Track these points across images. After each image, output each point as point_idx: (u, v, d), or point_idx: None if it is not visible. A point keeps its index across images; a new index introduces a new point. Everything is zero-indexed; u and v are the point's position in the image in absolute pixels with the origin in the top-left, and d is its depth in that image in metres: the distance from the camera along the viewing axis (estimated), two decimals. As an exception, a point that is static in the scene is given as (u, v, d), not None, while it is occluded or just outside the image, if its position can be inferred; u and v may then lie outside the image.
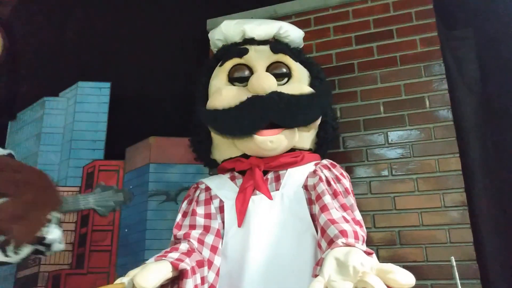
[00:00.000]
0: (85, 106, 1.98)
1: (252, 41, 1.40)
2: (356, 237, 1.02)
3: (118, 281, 0.88)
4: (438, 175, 1.63)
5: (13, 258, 1.09)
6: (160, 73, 2.11)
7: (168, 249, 1.07)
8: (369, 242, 1.59)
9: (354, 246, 0.91)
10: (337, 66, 1.89)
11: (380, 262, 0.85)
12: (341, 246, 0.92)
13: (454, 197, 1.58)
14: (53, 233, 1.11)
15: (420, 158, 1.67)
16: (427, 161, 1.65)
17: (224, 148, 1.33)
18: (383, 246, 1.62)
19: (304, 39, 1.65)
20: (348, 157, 1.77)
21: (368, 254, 0.90)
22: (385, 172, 1.70)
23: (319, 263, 0.92)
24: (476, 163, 1.60)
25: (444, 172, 1.62)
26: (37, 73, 2.06)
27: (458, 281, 0.78)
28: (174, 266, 0.95)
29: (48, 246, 1.11)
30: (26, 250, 1.08)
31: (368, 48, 1.86)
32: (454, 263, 0.80)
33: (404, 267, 0.80)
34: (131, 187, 1.92)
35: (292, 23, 1.98)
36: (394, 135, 1.73)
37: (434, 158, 1.65)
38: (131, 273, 0.91)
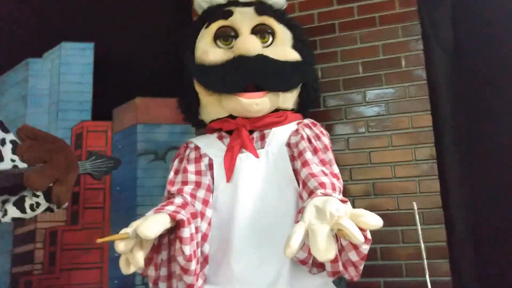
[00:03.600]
0: (69, 68, 1.99)
1: (236, 3, 1.44)
2: (334, 188, 1.14)
3: (122, 231, 0.98)
4: (410, 131, 1.75)
5: (29, 214, 1.19)
6: (144, 33, 2.10)
7: (165, 203, 1.16)
8: (346, 193, 1.74)
9: (331, 196, 1.02)
10: (319, 26, 1.94)
11: (354, 209, 0.97)
12: (319, 196, 1.03)
13: (425, 152, 1.72)
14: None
15: (394, 115, 1.78)
16: (401, 118, 1.77)
17: (211, 109, 1.40)
18: (359, 197, 1.76)
19: None
20: (328, 116, 1.86)
21: (343, 202, 1.01)
22: (362, 129, 1.81)
23: (300, 211, 1.03)
24: (447, 120, 1.72)
25: (416, 129, 1.74)
26: (18, 34, 2.04)
27: (419, 225, 0.90)
28: (172, 217, 1.05)
29: (58, 203, 1.20)
30: (42, 207, 1.17)
31: (349, 8, 1.91)
32: (416, 208, 0.91)
33: (378, 215, 0.92)
34: (120, 147, 1.99)
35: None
36: (371, 94, 1.83)
37: (408, 116, 1.76)
38: (134, 224, 1.00)
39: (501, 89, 1.72)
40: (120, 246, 0.98)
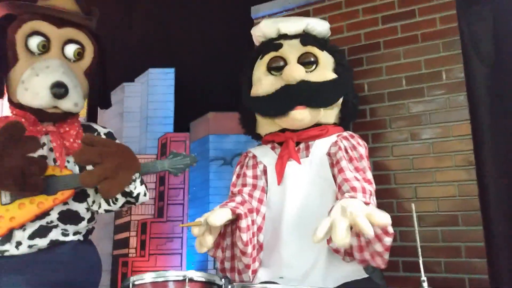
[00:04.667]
0: (155, 89, 2.44)
1: (285, 36, 1.73)
2: (364, 191, 1.37)
3: (196, 220, 1.32)
4: (451, 139, 1.90)
5: (113, 207, 1.53)
6: (215, 57, 2.49)
7: (228, 201, 1.49)
8: (389, 196, 1.94)
9: (356, 198, 1.27)
10: (365, 44, 2.15)
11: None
12: (347, 198, 1.28)
13: (464, 158, 1.86)
14: (138, 189, 1.54)
15: (436, 124, 1.94)
16: (441, 128, 1.92)
17: (265, 125, 1.70)
18: (401, 200, 1.94)
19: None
20: (374, 125, 2.07)
21: (366, 203, 1.25)
22: (406, 138, 1.99)
23: (331, 209, 1.29)
24: (485, 129, 1.84)
25: (456, 137, 1.89)
26: (116, 63, 2.53)
27: (416, 226, 1.09)
28: (233, 212, 1.38)
29: (136, 198, 1.54)
30: (120, 201, 1.52)
31: (393, 28, 2.10)
32: (414, 209, 1.11)
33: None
34: (195, 154, 2.38)
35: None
36: (413, 106, 2.00)
37: (448, 125, 1.91)
38: (205, 215, 1.34)
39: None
40: (195, 231, 1.32)
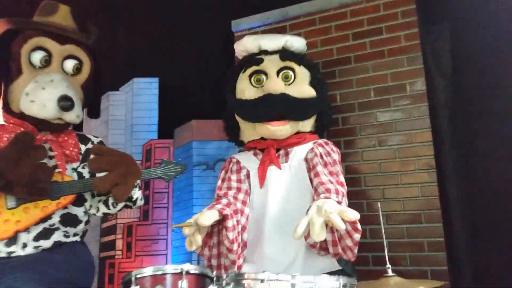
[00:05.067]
0: (140, 98, 2.55)
1: (266, 52, 1.88)
2: (337, 193, 1.54)
3: (187, 221, 1.45)
4: (414, 145, 2.11)
5: (113, 210, 1.66)
6: (197, 67, 2.62)
7: (214, 203, 1.63)
8: (359, 197, 2.13)
9: (330, 198, 1.44)
10: (337, 59, 2.34)
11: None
12: (322, 198, 1.45)
13: (426, 162, 2.06)
14: (137, 194, 1.68)
15: (401, 132, 2.15)
16: (406, 135, 2.13)
17: (248, 133, 1.85)
18: (370, 200, 2.13)
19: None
20: (345, 133, 2.26)
21: (339, 203, 1.42)
22: (374, 144, 2.19)
23: (309, 209, 1.45)
24: (445, 136, 2.06)
25: (418, 143, 2.09)
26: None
27: (382, 224, 1.27)
28: (220, 213, 1.51)
29: (134, 202, 1.68)
30: (120, 205, 1.65)
31: (362, 43, 2.30)
32: (380, 208, 1.29)
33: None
34: (179, 159, 2.51)
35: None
36: (381, 115, 2.20)
37: (412, 132, 2.12)
38: (194, 217, 1.47)
39: (494, 110, 2.04)
40: (186, 231, 1.46)
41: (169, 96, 2.55)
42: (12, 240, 1.45)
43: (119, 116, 2.55)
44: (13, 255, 1.45)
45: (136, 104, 2.54)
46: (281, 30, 2.49)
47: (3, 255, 1.44)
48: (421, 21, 2.19)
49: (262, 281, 1.05)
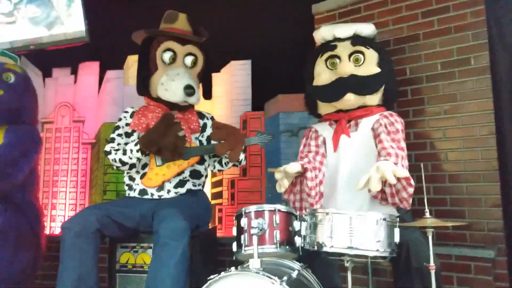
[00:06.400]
0: (236, 77, 3.09)
1: (339, 39, 2.27)
2: (396, 156, 1.91)
3: (279, 168, 1.96)
4: (476, 113, 2.35)
5: (224, 167, 2.28)
6: (281, 49, 3.06)
7: (297, 161, 2.12)
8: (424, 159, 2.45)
9: (388, 160, 1.84)
10: (407, 36, 2.61)
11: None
12: (381, 160, 1.86)
13: (487, 129, 2.31)
14: (241, 156, 2.23)
15: (464, 102, 2.39)
16: (469, 104, 2.37)
17: (324, 107, 2.27)
18: (435, 162, 2.44)
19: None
20: (413, 103, 2.56)
21: (396, 164, 1.81)
22: (439, 112, 2.47)
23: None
24: (505, 104, 2.28)
25: (480, 111, 2.33)
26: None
27: (424, 183, 1.64)
28: (302, 166, 2.00)
29: (240, 162, 2.26)
30: (230, 164, 2.24)
31: (431, 21, 2.53)
32: (422, 167, 1.66)
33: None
34: (269, 127, 3.04)
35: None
36: (446, 86, 2.46)
37: (475, 102, 2.36)
38: (284, 166, 1.97)
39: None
40: (277, 175, 1.98)
41: (259, 75, 3.06)
42: (160, 187, 2.13)
43: (220, 93, 3.13)
44: (162, 197, 2.13)
45: (234, 83, 3.09)
46: (356, 12, 2.79)
47: (156, 197, 2.13)
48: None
49: (327, 213, 1.54)
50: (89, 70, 3.39)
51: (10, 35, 3.05)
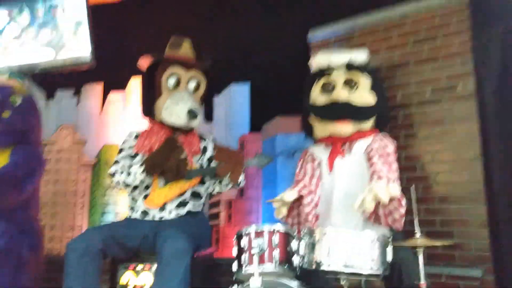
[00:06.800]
0: (235, 100, 3.22)
1: (335, 66, 2.39)
2: (388, 179, 2.03)
3: (276, 198, 2.06)
4: (463, 138, 2.46)
5: (224, 189, 2.36)
6: (279, 73, 3.19)
7: (294, 185, 2.21)
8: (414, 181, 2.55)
9: (380, 182, 1.93)
10: (399, 63, 2.75)
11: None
12: (374, 182, 1.95)
13: (474, 152, 2.41)
14: (241, 177, 2.32)
15: (452, 126, 2.51)
16: (457, 129, 2.49)
17: (320, 130, 2.38)
18: (425, 184, 2.55)
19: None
20: (404, 127, 2.67)
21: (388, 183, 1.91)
22: (429, 136, 2.58)
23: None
24: (491, 128, 2.40)
25: (468, 136, 2.45)
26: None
27: (415, 204, 1.75)
28: (298, 192, 2.10)
29: (239, 183, 2.34)
30: (230, 185, 2.33)
31: (421, 49, 2.68)
32: (413, 190, 1.76)
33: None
34: (266, 149, 3.14)
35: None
36: (436, 111, 2.58)
37: (462, 127, 2.48)
38: (281, 195, 2.07)
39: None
40: (275, 204, 2.07)
41: (258, 97, 3.18)
42: (162, 208, 2.21)
43: (220, 115, 3.24)
44: (163, 219, 2.20)
45: (233, 105, 3.21)
46: (349, 39, 2.95)
47: (157, 218, 2.21)
48: (473, 27, 2.50)
49: (325, 233, 1.62)
50: (92, 92, 3.50)
51: (17, 58, 3.15)
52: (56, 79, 3.56)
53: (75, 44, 3.08)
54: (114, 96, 3.47)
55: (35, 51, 3.20)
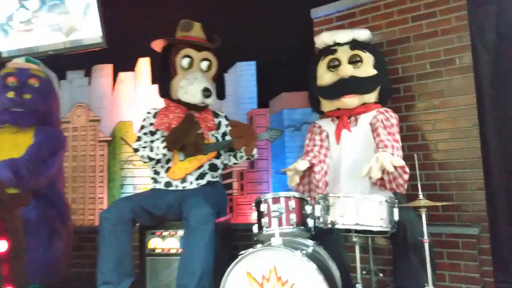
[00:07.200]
0: (242, 77, 3.35)
1: (339, 44, 2.53)
2: (392, 147, 2.20)
3: (289, 167, 2.24)
4: (461, 108, 2.64)
5: (239, 161, 2.54)
6: (284, 50, 3.32)
7: (305, 156, 2.39)
8: (416, 149, 2.74)
9: (385, 151, 2.11)
10: (399, 38, 2.88)
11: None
12: (380, 151, 2.13)
13: (471, 121, 2.59)
14: (254, 150, 2.50)
15: (451, 97, 2.68)
16: (455, 99, 2.66)
17: (326, 105, 2.54)
18: (426, 152, 2.73)
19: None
20: (405, 99, 2.84)
21: (392, 154, 2.09)
22: (429, 107, 2.76)
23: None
24: (487, 100, 2.57)
25: (465, 106, 2.62)
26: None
27: (418, 171, 1.94)
28: (309, 162, 2.28)
29: (253, 156, 2.53)
30: (244, 157, 2.50)
31: (420, 25, 2.81)
32: (416, 157, 1.95)
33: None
34: (273, 123, 3.30)
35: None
36: (435, 84, 2.74)
37: (459, 97, 2.65)
38: (293, 164, 2.25)
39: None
40: (289, 173, 2.25)
41: (264, 74, 3.32)
42: (183, 180, 2.39)
43: (228, 92, 3.37)
44: (185, 188, 2.39)
45: (240, 82, 3.34)
46: (351, 16, 3.06)
47: (180, 188, 2.39)
48: (469, 6, 2.64)
49: (338, 197, 1.81)
50: (103, 72, 3.61)
51: (29, 42, 3.25)
52: (65, 61, 3.66)
53: (86, 27, 3.18)
54: (125, 75, 3.58)
55: (46, 35, 3.29)
